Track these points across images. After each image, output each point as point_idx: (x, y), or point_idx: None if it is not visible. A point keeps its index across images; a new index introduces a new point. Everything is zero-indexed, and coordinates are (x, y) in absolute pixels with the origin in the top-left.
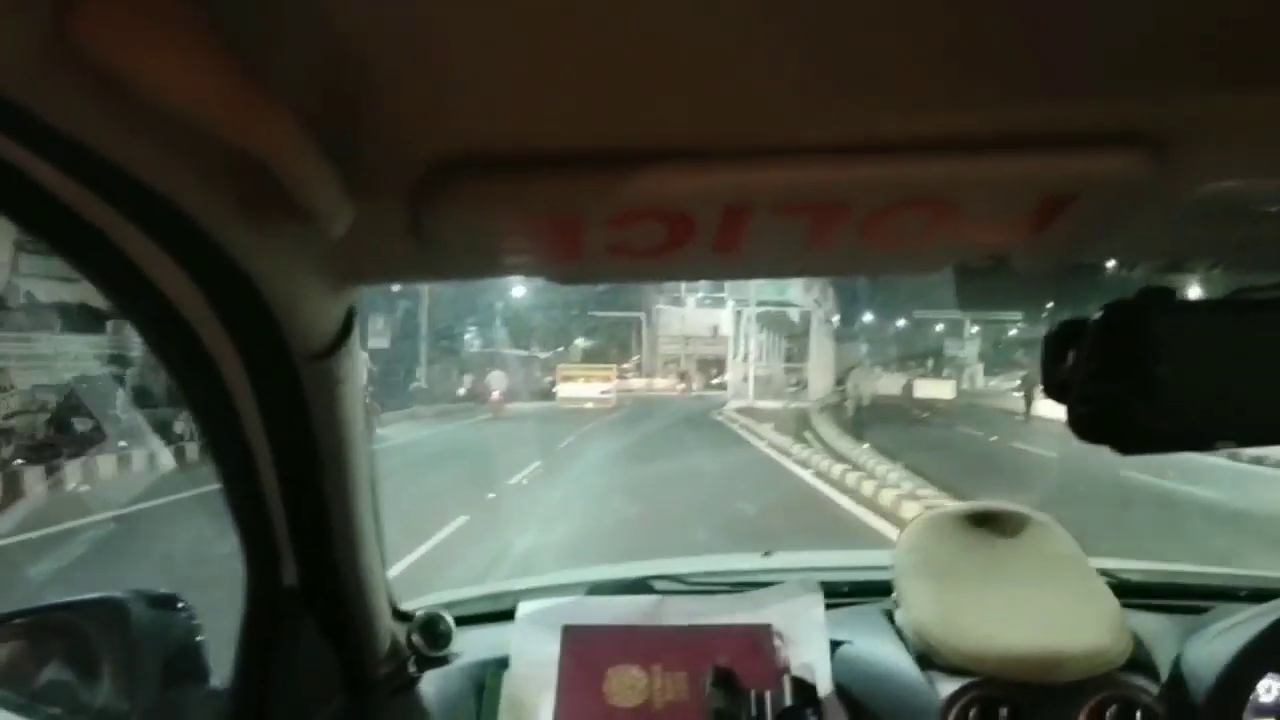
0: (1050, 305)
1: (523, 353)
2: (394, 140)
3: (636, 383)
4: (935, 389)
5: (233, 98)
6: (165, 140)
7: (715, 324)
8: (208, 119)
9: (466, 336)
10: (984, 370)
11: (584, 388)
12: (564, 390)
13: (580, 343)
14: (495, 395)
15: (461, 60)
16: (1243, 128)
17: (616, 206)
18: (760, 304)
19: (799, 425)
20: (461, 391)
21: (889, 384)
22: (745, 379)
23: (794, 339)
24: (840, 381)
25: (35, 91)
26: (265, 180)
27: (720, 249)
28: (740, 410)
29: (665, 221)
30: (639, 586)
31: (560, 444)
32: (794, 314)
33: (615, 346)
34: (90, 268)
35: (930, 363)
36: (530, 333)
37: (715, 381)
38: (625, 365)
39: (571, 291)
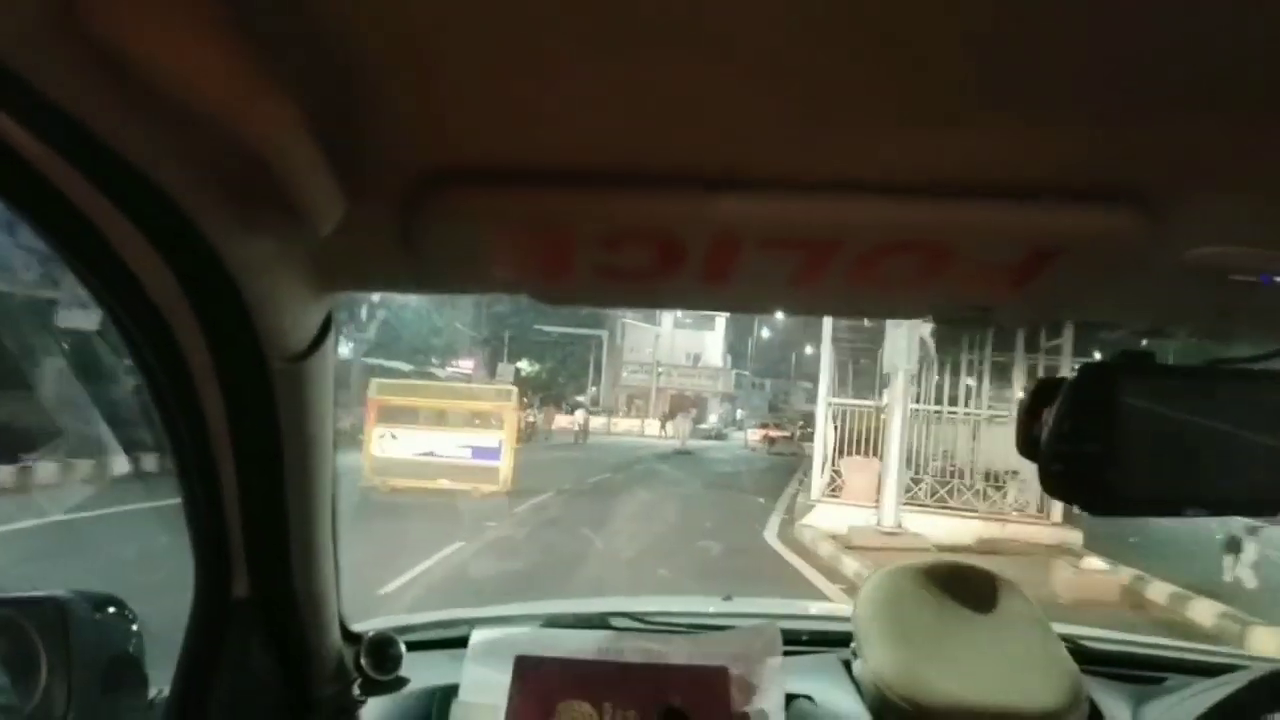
0: None
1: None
2: (389, 145)
3: (594, 422)
4: None
5: (235, 84)
6: (161, 124)
7: (698, 351)
8: (208, 103)
9: (347, 346)
10: None
11: (431, 440)
12: (385, 446)
13: (523, 366)
14: None
15: (463, 72)
16: (1232, 194)
17: (607, 226)
18: None
19: None
20: None
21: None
22: (886, 461)
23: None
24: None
25: (35, 65)
26: (256, 173)
27: (710, 279)
28: (879, 547)
29: (656, 246)
30: (596, 621)
31: None
32: None
33: (567, 372)
34: (66, 245)
35: None
36: (447, 349)
37: (703, 427)
38: (578, 397)
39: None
